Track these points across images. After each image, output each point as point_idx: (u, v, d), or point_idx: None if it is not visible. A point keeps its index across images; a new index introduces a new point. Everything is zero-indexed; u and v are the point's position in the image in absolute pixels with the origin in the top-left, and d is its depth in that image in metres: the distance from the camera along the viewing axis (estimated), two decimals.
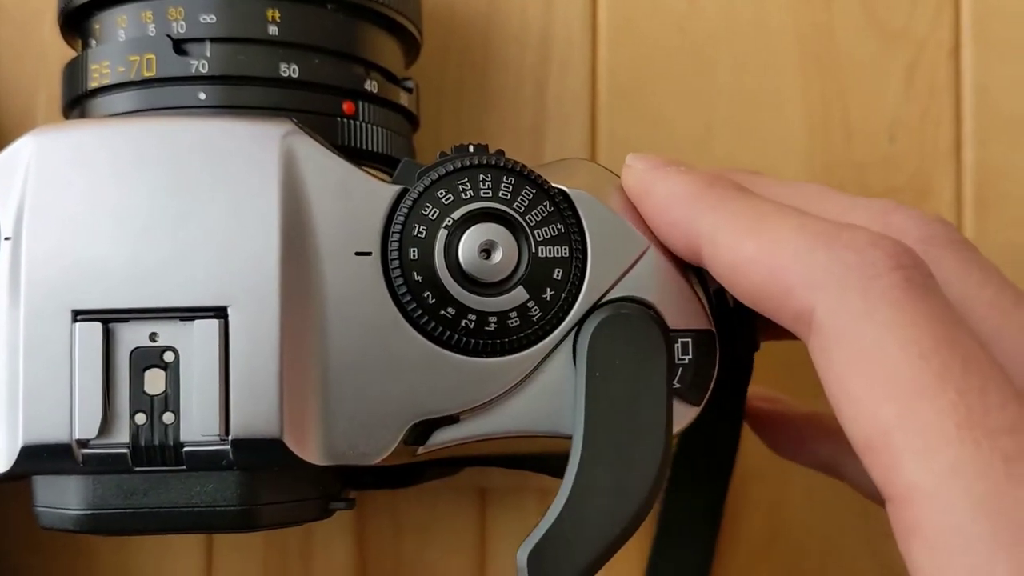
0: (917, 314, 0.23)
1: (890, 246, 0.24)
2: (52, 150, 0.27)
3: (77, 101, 0.31)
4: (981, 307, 0.26)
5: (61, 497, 0.27)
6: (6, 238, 0.27)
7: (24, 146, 0.27)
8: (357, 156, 0.29)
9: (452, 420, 0.27)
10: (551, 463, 0.32)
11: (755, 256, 0.25)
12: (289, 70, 0.30)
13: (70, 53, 0.34)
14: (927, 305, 0.23)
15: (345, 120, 0.31)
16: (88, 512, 0.27)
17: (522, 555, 0.26)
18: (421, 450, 0.28)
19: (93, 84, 0.30)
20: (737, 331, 0.30)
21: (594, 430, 0.26)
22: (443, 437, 0.28)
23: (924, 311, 0.23)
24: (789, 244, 0.25)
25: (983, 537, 0.21)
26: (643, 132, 0.41)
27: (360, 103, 0.31)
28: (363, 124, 0.31)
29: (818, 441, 0.35)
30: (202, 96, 0.29)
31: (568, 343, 0.27)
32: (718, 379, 0.28)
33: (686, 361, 0.27)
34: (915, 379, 0.22)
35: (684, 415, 0.28)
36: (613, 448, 0.26)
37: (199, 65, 0.29)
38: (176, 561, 0.40)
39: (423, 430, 0.27)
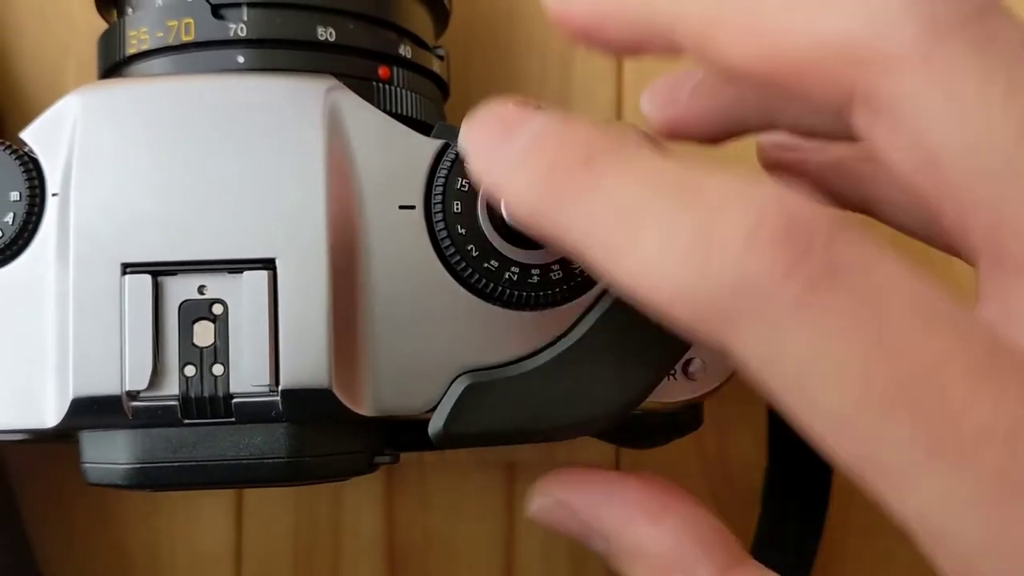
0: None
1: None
2: (99, 107, 0.27)
3: (114, 68, 0.31)
4: None
5: (109, 452, 0.27)
6: (54, 194, 0.27)
7: (70, 104, 0.27)
8: None
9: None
10: None
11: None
12: (326, 33, 0.30)
13: (98, 22, 0.34)
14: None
15: (381, 84, 0.31)
16: (137, 466, 0.27)
17: (461, 384, 0.26)
18: None
19: (131, 50, 0.31)
20: None
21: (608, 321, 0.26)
22: None
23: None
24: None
25: None
26: None
27: (395, 68, 0.31)
28: (398, 89, 0.31)
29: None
30: (240, 59, 0.30)
31: (611, 296, 0.28)
32: None
33: None
34: None
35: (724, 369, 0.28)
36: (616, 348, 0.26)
37: (237, 29, 0.30)
38: (205, 531, 0.40)
39: None
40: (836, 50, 0.21)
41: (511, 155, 0.23)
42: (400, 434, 0.30)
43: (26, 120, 0.37)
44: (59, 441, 0.28)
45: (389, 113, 0.31)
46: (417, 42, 0.33)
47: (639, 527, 0.26)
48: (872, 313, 0.18)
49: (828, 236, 0.19)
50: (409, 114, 0.32)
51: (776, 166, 0.32)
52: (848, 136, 0.23)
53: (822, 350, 0.18)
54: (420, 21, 0.33)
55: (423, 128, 0.31)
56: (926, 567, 0.19)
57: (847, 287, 0.18)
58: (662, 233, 0.20)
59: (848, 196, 0.31)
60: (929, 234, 0.26)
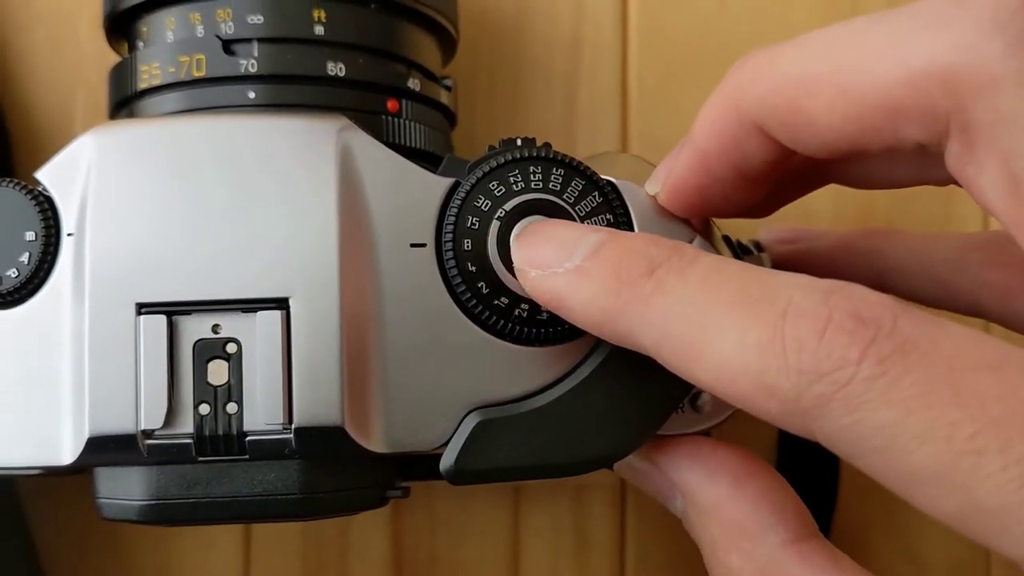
0: None
1: None
2: (113, 147, 0.27)
3: (125, 102, 0.32)
4: None
5: (124, 488, 0.27)
6: (69, 234, 0.27)
7: (85, 144, 0.27)
8: (400, 153, 0.30)
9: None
10: None
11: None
12: (336, 68, 0.30)
13: (108, 54, 0.35)
14: None
15: (389, 117, 0.31)
16: (151, 503, 0.27)
17: (472, 420, 0.27)
18: None
19: (143, 85, 0.31)
20: None
21: (617, 357, 0.26)
22: None
23: None
24: None
25: None
26: (673, 132, 0.41)
27: (403, 101, 0.32)
28: (406, 121, 0.32)
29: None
30: (251, 95, 0.30)
31: None
32: None
33: None
34: None
35: None
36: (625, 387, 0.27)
37: (248, 64, 0.30)
38: (215, 558, 0.40)
39: None
40: (927, 80, 0.21)
41: (573, 268, 0.24)
42: (411, 468, 0.30)
43: (36, 148, 0.38)
44: (75, 475, 0.29)
45: (398, 145, 0.31)
46: (425, 74, 0.33)
47: (721, 487, 0.27)
48: (944, 373, 0.19)
49: (892, 318, 0.20)
50: (417, 146, 0.32)
51: (784, 259, 0.33)
52: (920, 181, 0.24)
53: (905, 415, 0.19)
54: (428, 52, 0.34)
55: (431, 159, 0.32)
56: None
57: (918, 357, 0.19)
58: (736, 333, 0.21)
59: (859, 271, 0.32)
60: (943, 296, 0.26)
